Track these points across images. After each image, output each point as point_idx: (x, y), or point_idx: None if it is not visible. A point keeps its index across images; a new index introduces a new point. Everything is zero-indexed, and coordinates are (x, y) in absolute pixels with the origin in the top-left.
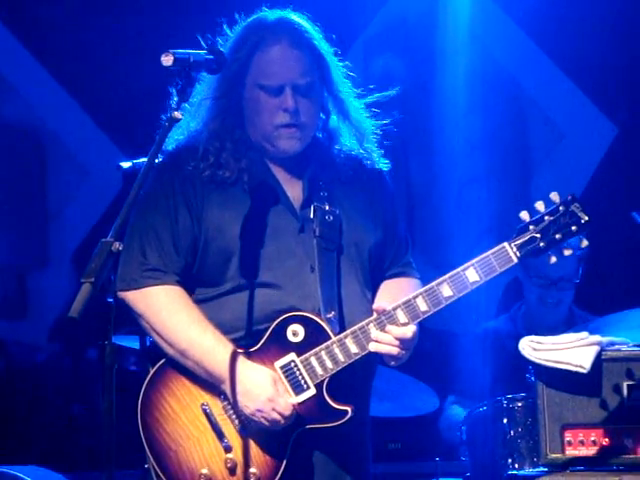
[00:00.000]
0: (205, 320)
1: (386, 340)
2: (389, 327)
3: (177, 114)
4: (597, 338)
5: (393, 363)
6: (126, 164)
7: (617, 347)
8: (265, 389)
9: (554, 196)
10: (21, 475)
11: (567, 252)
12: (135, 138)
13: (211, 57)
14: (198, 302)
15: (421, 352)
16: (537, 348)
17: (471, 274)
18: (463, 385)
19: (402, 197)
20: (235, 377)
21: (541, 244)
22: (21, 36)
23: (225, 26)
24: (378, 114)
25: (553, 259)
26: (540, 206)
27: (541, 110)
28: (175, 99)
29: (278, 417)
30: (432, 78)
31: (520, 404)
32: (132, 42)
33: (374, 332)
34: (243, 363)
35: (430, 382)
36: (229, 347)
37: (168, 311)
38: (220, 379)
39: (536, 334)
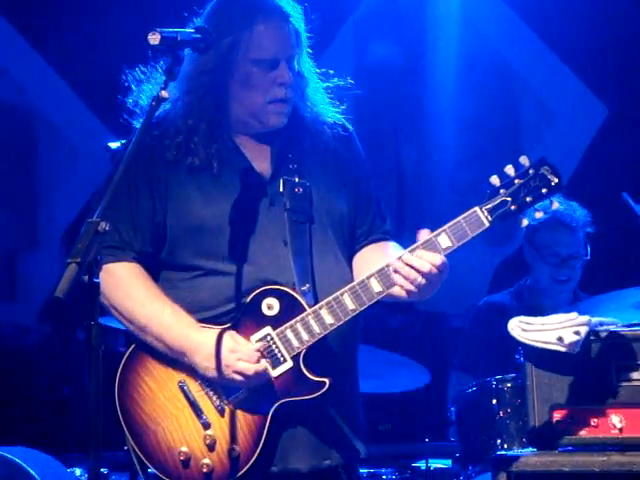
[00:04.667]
0: (163, 296)
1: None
2: (420, 251)
3: (164, 93)
4: (586, 318)
5: (412, 289)
6: (115, 144)
7: (606, 327)
8: (224, 344)
9: (523, 160)
10: (9, 456)
11: (538, 215)
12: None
13: (198, 36)
14: (172, 284)
15: (411, 333)
16: (526, 329)
17: (443, 240)
18: (462, 360)
19: (392, 180)
20: (195, 346)
21: (512, 207)
22: (12, 18)
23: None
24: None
25: (525, 222)
26: (510, 170)
27: (532, 91)
28: (162, 78)
29: (246, 365)
30: (423, 60)
31: (509, 385)
32: (123, 22)
33: (406, 255)
34: (198, 331)
35: (422, 362)
36: (187, 320)
37: (126, 287)
38: (181, 352)
39: (541, 311)
